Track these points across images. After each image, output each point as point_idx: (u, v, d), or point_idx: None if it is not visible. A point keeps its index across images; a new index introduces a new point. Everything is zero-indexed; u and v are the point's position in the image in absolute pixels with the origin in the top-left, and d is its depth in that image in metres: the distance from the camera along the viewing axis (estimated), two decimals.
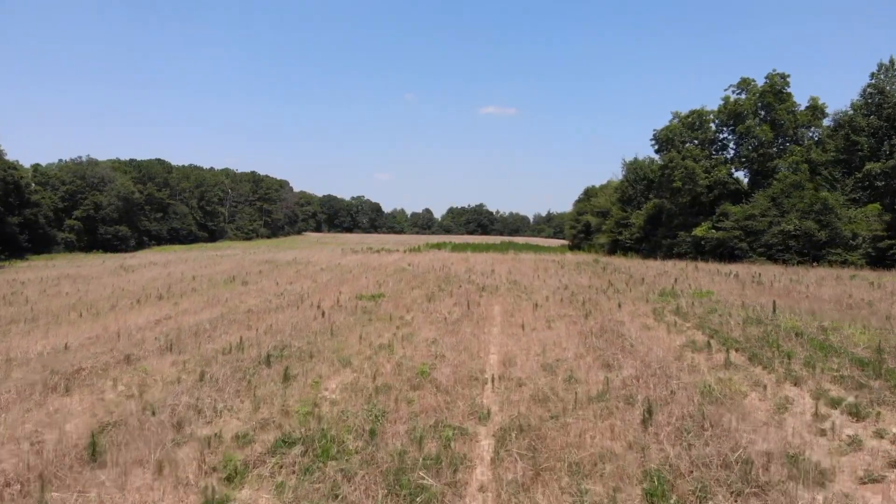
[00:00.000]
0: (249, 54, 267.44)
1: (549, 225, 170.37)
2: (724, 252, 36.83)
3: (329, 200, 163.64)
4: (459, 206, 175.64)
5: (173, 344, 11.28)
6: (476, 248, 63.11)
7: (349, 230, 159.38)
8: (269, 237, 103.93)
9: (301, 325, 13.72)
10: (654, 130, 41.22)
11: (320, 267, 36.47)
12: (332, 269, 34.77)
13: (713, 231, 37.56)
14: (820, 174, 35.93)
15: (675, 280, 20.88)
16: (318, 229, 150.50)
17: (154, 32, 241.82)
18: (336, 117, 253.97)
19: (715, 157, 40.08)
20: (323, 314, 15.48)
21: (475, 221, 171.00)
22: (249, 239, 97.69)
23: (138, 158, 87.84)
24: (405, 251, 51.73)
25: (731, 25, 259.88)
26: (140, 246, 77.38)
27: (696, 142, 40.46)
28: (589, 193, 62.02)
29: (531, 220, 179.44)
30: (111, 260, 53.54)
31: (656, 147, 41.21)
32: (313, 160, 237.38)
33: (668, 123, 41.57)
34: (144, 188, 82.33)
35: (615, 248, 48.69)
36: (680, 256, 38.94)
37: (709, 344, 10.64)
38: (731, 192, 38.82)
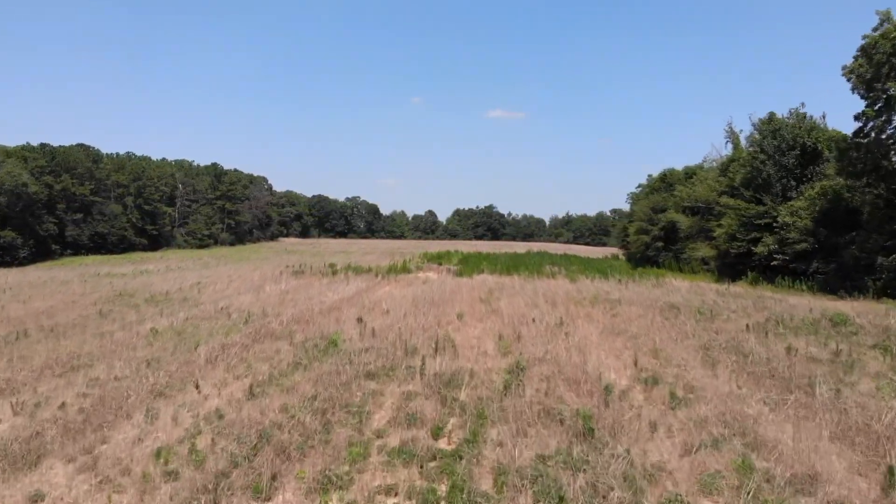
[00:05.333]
0: (257, 60, 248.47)
1: (567, 229, 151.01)
2: None
3: (319, 202, 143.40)
4: (467, 209, 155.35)
5: None
6: (493, 261, 42.77)
7: (343, 234, 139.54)
8: (232, 244, 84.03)
9: None
10: (863, 37, 20.76)
11: (156, 326, 16.33)
12: (165, 335, 14.81)
13: None
14: None
15: None
16: (304, 233, 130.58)
17: (137, 12, 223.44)
18: (341, 121, 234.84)
19: None
20: None
21: (484, 225, 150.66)
22: (205, 246, 77.83)
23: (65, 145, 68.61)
24: (381, 274, 31.33)
25: (736, 28, 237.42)
26: (43, 257, 57.83)
27: None
28: (668, 180, 40.42)
29: (547, 223, 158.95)
30: None
31: (867, 74, 20.62)
32: (318, 165, 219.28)
33: (872, 32, 21.26)
34: (57, 181, 62.90)
35: (739, 268, 28.31)
36: None
37: None
38: None
